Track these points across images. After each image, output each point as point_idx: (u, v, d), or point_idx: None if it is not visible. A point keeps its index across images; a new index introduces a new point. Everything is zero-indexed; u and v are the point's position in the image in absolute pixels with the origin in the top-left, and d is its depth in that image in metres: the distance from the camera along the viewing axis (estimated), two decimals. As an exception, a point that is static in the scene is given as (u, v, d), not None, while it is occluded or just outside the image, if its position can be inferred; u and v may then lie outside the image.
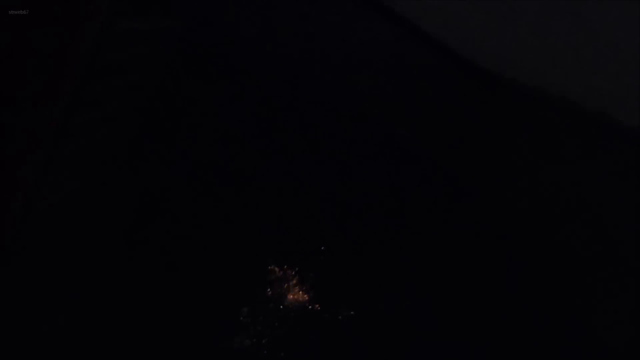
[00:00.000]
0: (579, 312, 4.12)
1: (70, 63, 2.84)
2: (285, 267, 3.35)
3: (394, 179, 4.39)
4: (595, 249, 4.46)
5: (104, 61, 3.35)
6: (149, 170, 3.61)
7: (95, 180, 3.35)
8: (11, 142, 2.62)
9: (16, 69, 2.73)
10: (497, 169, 4.72)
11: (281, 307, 3.20)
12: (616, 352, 3.97)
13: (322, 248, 3.65)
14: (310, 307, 3.30)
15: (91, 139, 3.22)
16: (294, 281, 3.32)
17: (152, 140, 3.75)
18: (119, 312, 3.06)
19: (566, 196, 4.64)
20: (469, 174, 4.70)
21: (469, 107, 4.64)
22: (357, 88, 4.54)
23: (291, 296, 3.35)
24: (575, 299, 4.14)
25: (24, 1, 2.80)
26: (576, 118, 4.78)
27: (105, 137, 3.31)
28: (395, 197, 4.31)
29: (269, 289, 3.25)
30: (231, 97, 4.10)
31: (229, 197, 3.81)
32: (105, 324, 3.04)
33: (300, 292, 3.36)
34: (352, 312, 3.27)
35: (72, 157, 3.20)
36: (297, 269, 3.39)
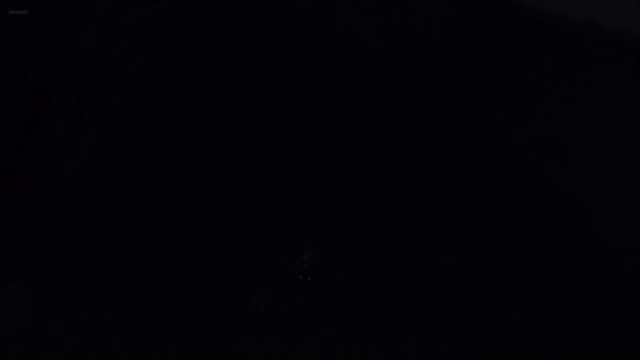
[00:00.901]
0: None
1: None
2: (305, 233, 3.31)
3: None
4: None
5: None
6: (174, 126, 3.59)
7: (121, 140, 3.31)
8: (43, 100, 2.60)
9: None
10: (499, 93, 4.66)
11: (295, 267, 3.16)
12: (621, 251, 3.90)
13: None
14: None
15: (114, 98, 3.19)
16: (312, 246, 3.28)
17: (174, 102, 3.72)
18: (141, 273, 3.03)
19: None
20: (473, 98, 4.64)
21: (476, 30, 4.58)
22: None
23: (307, 256, 3.30)
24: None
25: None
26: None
27: (128, 96, 3.27)
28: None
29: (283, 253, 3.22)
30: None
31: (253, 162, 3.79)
32: (133, 279, 3.01)
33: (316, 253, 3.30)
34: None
35: (98, 117, 3.17)
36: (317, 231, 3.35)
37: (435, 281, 3.42)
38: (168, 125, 3.66)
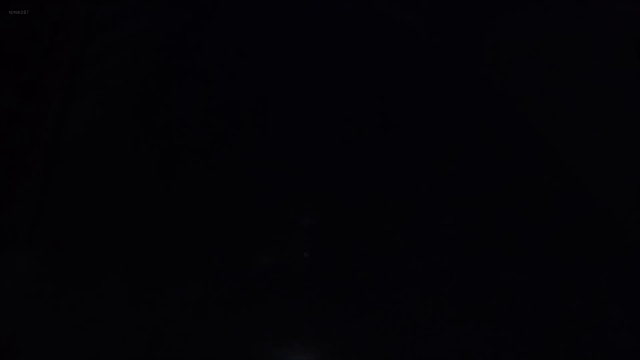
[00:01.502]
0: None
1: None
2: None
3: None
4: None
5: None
6: (173, 89, 3.59)
7: (119, 108, 3.30)
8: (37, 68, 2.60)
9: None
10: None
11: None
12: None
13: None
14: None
15: (111, 64, 3.16)
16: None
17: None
18: (152, 243, 3.08)
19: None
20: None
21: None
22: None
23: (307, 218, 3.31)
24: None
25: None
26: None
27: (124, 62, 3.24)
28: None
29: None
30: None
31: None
32: (142, 253, 3.06)
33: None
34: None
35: (94, 84, 3.16)
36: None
37: (439, 244, 3.47)
38: (167, 88, 3.66)
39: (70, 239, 2.93)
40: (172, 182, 3.45)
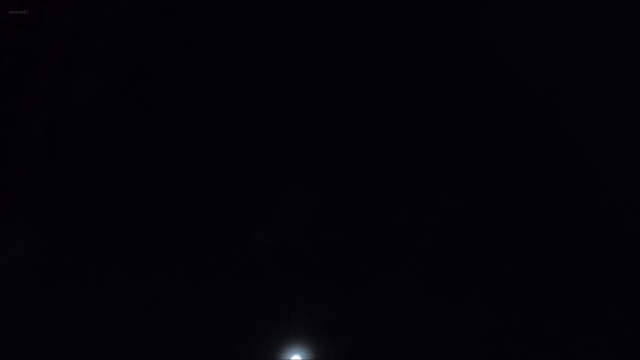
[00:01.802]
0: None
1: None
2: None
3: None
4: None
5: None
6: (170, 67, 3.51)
7: (117, 83, 3.26)
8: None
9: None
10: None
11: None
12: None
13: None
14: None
15: (110, 37, 3.12)
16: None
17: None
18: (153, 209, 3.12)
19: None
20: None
21: None
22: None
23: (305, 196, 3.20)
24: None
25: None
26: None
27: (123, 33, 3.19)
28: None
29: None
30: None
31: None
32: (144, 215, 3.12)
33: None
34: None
35: (93, 57, 3.17)
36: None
37: (442, 220, 3.33)
38: (165, 61, 3.58)
39: (69, 215, 3.05)
40: (170, 159, 3.46)
